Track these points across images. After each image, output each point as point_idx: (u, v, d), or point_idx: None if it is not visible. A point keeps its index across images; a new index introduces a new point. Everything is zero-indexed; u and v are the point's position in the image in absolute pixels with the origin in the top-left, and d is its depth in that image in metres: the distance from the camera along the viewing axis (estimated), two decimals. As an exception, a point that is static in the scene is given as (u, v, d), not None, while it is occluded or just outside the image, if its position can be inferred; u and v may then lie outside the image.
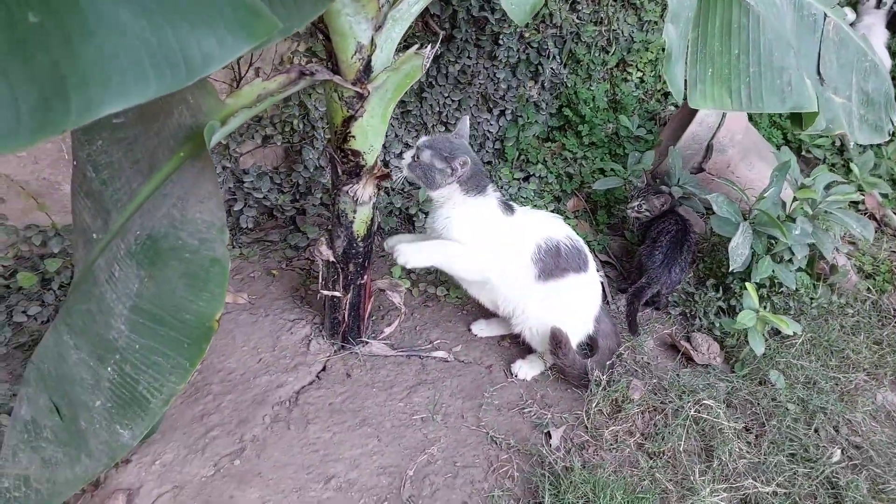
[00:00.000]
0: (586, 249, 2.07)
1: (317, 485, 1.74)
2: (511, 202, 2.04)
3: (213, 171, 1.41)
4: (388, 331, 2.16)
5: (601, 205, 2.98)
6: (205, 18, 0.77)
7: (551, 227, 2.01)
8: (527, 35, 2.89)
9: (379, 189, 1.80)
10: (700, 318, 2.39)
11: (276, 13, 0.92)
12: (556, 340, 1.96)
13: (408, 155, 1.92)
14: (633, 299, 2.35)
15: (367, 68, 1.54)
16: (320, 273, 1.99)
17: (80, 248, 1.64)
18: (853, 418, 2.08)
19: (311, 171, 2.62)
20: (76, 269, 1.68)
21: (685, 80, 1.66)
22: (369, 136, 1.66)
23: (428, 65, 1.57)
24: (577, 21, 2.99)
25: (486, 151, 3.08)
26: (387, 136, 2.77)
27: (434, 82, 2.81)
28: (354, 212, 1.81)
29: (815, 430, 2.02)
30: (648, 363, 2.22)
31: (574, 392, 2.11)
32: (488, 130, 3.04)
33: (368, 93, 1.57)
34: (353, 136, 1.65)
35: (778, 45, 1.64)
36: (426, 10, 2.62)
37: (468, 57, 2.81)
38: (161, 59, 0.74)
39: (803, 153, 3.13)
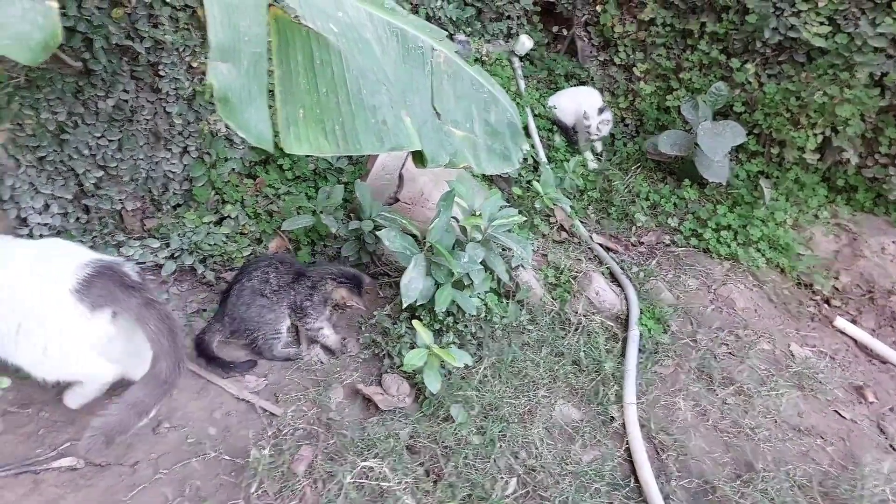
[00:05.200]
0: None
1: None
2: None
3: None
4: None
5: (305, 243, 2.78)
6: None
7: None
8: (195, 65, 2.60)
9: None
10: (391, 357, 2.29)
11: None
12: None
13: None
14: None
15: None
16: None
17: None
18: (530, 439, 2.10)
19: None
20: None
21: (281, 122, 1.50)
22: None
23: None
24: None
25: (174, 194, 2.73)
26: (17, 189, 2.29)
27: (80, 121, 2.39)
28: None
29: (494, 461, 2.00)
30: (331, 420, 2.05)
31: (238, 474, 1.83)
32: (170, 171, 2.69)
33: None
34: None
35: (366, 83, 1.54)
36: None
37: (124, 90, 2.44)
38: None
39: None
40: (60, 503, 1.68)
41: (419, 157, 1.70)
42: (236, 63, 1.36)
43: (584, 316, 2.59)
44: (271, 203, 2.87)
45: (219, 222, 2.71)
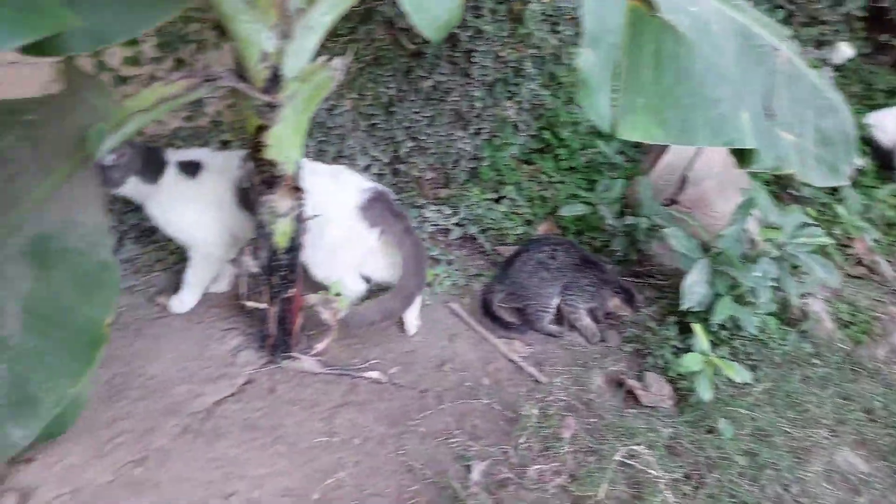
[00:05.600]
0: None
1: (215, 501, 1.68)
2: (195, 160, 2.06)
3: (95, 175, 1.39)
4: (319, 347, 2.10)
5: (571, 231, 2.88)
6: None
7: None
8: (503, 54, 2.83)
9: (299, 201, 1.76)
10: (655, 357, 2.27)
11: (115, 13, 0.89)
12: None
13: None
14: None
15: (276, 77, 1.50)
16: (245, 283, 1.95)
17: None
18: (805, 477, 1.93)
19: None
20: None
21: (615, 109, 1.58)
22: (284, 146, 1.62)
23: (339, 77, 1.53)
24: (558, 43, 2.92)
25: (462, 170, 3.02)
26: (352, 148, 2.74)
27: (405, 97, 2.78)
28: (273, 223, 1.77)
29: (761, 488, 1.88)
30: (591, 400, 2.11)
31: (509, 424, 2.01)
32: (462, 149, 2.98)
33: (280, 102, 1.54)
34: (268, 146, 1.61)
35: (710, 77, 1.54)
36: (391, 23, 2.59)
37: (440, 73, 2.77)
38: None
39: (790, 191, 2.98)
40: (369, 406, 2.00)
41: (744, 157, 1.65)
42: (596, 51, 1.46)
43: (885, 364, 2.28)
44: (544, 189, 3.02)
45: (497, 200, 2.94)
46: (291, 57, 1.48)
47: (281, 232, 1.79)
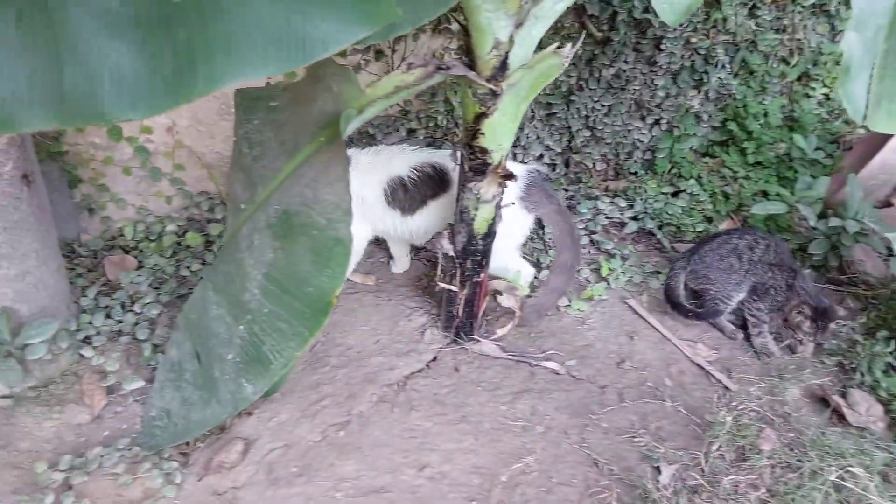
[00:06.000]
0: (448, 173, 2.08)
1: (410, 470, 1.78)
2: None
3: (344, 156, 1.49)
4: (500, 332, 2.14)
5: (761, 232, 2.68)
6: (327, 2, 0.81)
7: (393, 165, 2.10)
8: (694, 40, 2.68)
9: (504, 188, 1.79)
10: (862, 374, 2.06)
11: (403, 4, 0.95)
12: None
13: None
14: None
15: (503, 65, 1.53)
16: (439, 265, 2.02)
17: (231, 215, 1.83)
18: None
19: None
20: (226, 233, 1.89)
21: (873, 97, 1.44)
22: (498, 134, 1.65)
23: (566, 65, 1.52)
24: (756, 28, 2.72)
25: (635, 161, 2.93)
26: (528, 137, 2.74)
27: (584, 86, 2.73)
28: (476, 209, 1.81)
29: None
30: (788, 414, 1.96)
31: (694, 429, 1.93)
32: (639, 139, 2.88)
33: (502, 90, 1.56)
34: (483, 134, 1.65)
35: None
36: (583, 10, 2.55)
37: (624, 61, 2.68)
38: (283, 39, 0.79)
39: None
40: (548, 395, 2.01)
41: None
42: (862, 33, 1.33)
43: None
44: (727, 185, 2.84)
45: (675, 194, 2.81)
46: (519, 45, 1.50)
47: (482, 218, 1.84)
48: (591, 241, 2.60)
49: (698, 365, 2.13)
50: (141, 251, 2.38)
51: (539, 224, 2.69)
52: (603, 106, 2.76)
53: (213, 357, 1.74)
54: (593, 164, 2.90)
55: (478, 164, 1.71)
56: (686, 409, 1.98)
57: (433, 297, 2.33)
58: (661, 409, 1.99)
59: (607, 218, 2.67)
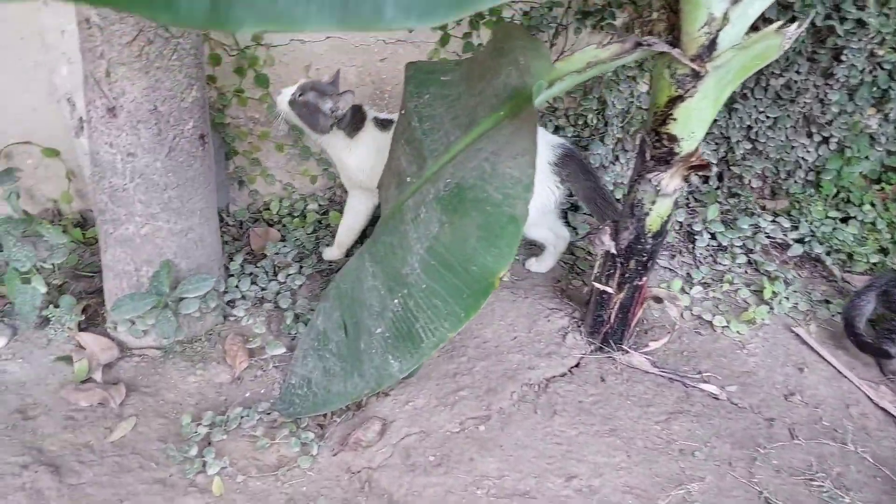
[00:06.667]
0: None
1: (556, 479, 1.64)
2: (385, 115, 2.11)
3: (533, 128, 1.41)
4: (653, 346, 1.97)
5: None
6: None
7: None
8: (880, 53, 2.43)
9: (687, 182, 1.64)
10: None
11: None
12: None
13: (287, 91, 1.98)
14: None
15: (712, 44, 1.40)
16: (596, 264, 1.90)
17: (393, 188, 1.79)
18: None
19: (596, 166, 2.55)
20: (384, 206, 1.85)
21: None
22: (693, 120, 1.52)
23: (786, 47, 1.37)
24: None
25: (795, 181, 2.68)
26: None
27: (750, 94, 2.53)
28: (653, 203, 1.67)
29: None
30: None
31: (887, 483, 1.67)
32: (802, 157, 2.64)
33: (706, 71, 1.43)
34: (674, 119, 1.52)
35: None
36: (761, 15, 2.37)
37: (796, 71, 2.47)
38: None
39: None
40: (706, 420, 1.81)
41: None
42: None
43: None
44: (905, 215, 2.53)
45: (844, 220, 2.54)
46: (733, 24, 1.38)
47: (657, 214, 1.70)
48: (749, 261, 2.38)
49: (884, 410, 1.87)
50: (284, 226, 2.41)
51: (689, 237, 2.52)
52: (768, 118, 2.55)
53: (361, 329, 1.69)
54: (749, 180, 2.69)
55: (663, 153, 1.58)
56: (873, 458, 1.73)
57: (573, 299, 2.19)
58: (842, 453, 1.74)
59: (768, 237, 2.45)
